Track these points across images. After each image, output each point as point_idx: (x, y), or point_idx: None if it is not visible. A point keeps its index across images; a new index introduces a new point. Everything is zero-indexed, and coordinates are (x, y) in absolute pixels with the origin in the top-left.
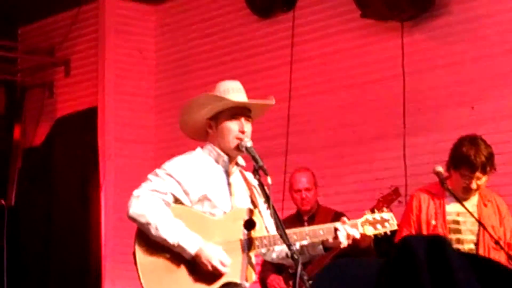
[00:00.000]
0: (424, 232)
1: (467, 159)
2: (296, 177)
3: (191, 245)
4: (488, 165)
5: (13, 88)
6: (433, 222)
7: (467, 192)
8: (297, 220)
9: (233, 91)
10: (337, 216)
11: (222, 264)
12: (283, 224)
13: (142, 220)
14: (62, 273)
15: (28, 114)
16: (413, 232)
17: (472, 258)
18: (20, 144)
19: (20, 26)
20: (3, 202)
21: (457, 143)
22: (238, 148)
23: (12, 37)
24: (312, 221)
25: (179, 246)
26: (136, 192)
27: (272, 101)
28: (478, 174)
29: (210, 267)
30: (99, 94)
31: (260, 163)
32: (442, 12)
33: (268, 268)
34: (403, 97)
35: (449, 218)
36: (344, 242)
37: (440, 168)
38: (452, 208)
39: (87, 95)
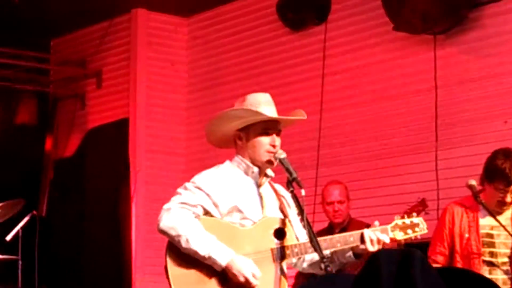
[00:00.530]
0: (457, 245)
1: (502, 173)
2: (329, 190)
3: (222, 257)
4: None
5: (45, 99)
6: (466, 235)
7: (501, 205)
8: (328, 233)
9: (264, 104)
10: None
11: (254, 276)
12: (316, 236)
13: (173, 233)
14: (94, 284)
15: (60, 126)
16: (446, 246)
17: (448, 273)
18: (51, 155)
19: (52, 38)
20: (35, 212)
21: (491, 156)
22: (269, 161)
23: (45, 49)
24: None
25: (210, 258)
26: (166, 206)
27: (303, 117)
28: None
29: (242, 279)
30: (131, 105)
31: (294, 175)
32: (475, 26)
33: (302, 281)
34: (435, 111)
35: (482, 231)
36: (370, 247)
37: (473, 182)
38: (486, 221)
39: (118, 106)
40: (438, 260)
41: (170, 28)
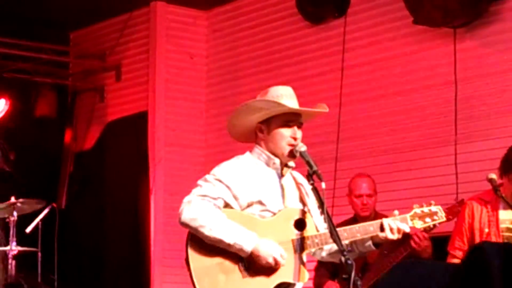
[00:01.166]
0: (477, 240)
1: None
2: (357, 182)
3: (248, 242)
4: None
5: (65, 92)
6: (486, 230)
7: None
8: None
9: (286, 97)
10: None
11: (282, 256)
12: (336, 229)
13: (195, 224)
14: (113, 276)
15: (79, 118)
16: (465, 241)
17: None
18: (71, 148)
19: (71, 31)
20: (54, 205)
21: (510, 148)
22: (290, 154)
23: (64, 42)
24: None
25: (235, 244)
26: (186, 199)
27: (325, 110)
28: None
29: (271, 260)
30: (150, 98)
31: (315, 168)
32: (495, 19)
33: (323, 273)
34: (455, 104)
35: (502, 226)
36: (390, 236)
37: (494, 176)
38: (506, 215)
39: (137, 99)
40: (457, 255)
41: (189, 21)
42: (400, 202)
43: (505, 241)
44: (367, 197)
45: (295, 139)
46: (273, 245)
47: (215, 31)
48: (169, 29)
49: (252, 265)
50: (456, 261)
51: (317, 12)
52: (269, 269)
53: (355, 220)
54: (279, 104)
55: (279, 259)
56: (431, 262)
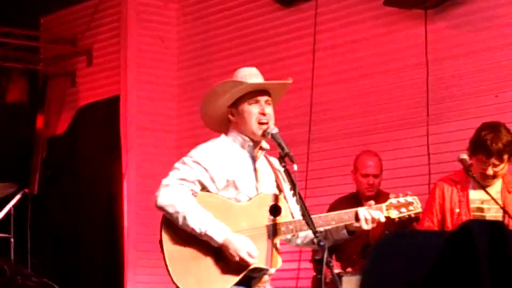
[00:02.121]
0: (448, 220)
1: (484, 144)
2: (364, 161)
3: (219, 234)
4: (505, 152)
5: (36, 77)
6: (457, 210)
7: (484, 178)
8: (353, 201)
9: (251, 76)
10: None
11: (250, 255)
12: (308, 211)
13: (171, 210)
14: (87, 261)
15: (51, 103)
16: (435, 221)
17: None
18: (43, 133)
19: (42, 15)
20: (26, 191)
21: (478, 128)
22: (262, 133)
23: (35, 26)
24: None
25: (206, 235)
26: (164, 181)
27: (289, 81)
28: (494, 160)
29: (237, 259)
30: (121, 83)
31: (286, 150)
32: (466, 0)
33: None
34: (426, 85)
35: (473, 206)
36: (364, 226)
37: (465, 156)
38: (476, 195)
39: (109, 84)
40: None
41: (159, 4)
42: None
43: None
44: (373, 177)
45: (263, 114)
46: (244, 242)
47: (186, 14)
48: (139, 12)
49: (224, 255)
50: None
51: None
52: (240, 262)
53: (357, 197)
54: (239, 83)
55: (246, 257)
56: (430, 232)
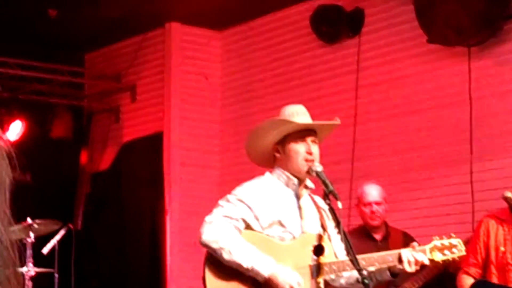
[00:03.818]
0: (493, 257)
1: None
2: (365, 190)
3: (265, 268)
4: None
5: (80, 113)
6: (502, 248)
7: None
8: (365, 236)
9: (298, 114)
10: (405, 236)
11: (299, 284)
12: (353, 249)
13: (215, 245)
14: None
15: (95, 139)
16: (479, 259)
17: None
18: (86, 169)
19: (87, 52)
20: (70, 225)
21: None
22: (307, 171)
23: (79, 63)
24: (386, 242)
25: (253, 269)
26: (208, 218)
27: (337, 122)
28: None
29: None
30: (165, 119)
31: (331, 187)
32: (510, 37)
33: None
34: (470, 123)
35: None
36: (408, 268)
37: (510, 194)
38: None
39: (152, 120)
40: (470, 272)
41: (203, 42)
42: (415, 222)
43: None
44: (376, 205)
45: (310, 153)
46: (291, 272)
47: (229, 51)
48: (183, 49)
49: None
50: (469, 278)
51: (331, 32)
52: None
53: (364, 230)
54: (287, 122)
55: (296, 286)
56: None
